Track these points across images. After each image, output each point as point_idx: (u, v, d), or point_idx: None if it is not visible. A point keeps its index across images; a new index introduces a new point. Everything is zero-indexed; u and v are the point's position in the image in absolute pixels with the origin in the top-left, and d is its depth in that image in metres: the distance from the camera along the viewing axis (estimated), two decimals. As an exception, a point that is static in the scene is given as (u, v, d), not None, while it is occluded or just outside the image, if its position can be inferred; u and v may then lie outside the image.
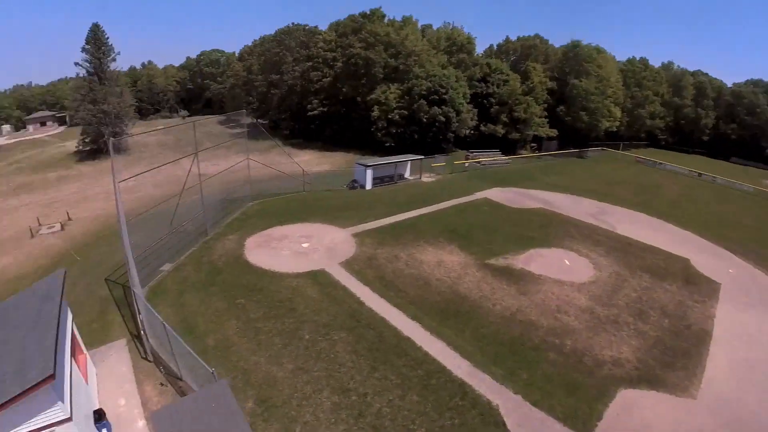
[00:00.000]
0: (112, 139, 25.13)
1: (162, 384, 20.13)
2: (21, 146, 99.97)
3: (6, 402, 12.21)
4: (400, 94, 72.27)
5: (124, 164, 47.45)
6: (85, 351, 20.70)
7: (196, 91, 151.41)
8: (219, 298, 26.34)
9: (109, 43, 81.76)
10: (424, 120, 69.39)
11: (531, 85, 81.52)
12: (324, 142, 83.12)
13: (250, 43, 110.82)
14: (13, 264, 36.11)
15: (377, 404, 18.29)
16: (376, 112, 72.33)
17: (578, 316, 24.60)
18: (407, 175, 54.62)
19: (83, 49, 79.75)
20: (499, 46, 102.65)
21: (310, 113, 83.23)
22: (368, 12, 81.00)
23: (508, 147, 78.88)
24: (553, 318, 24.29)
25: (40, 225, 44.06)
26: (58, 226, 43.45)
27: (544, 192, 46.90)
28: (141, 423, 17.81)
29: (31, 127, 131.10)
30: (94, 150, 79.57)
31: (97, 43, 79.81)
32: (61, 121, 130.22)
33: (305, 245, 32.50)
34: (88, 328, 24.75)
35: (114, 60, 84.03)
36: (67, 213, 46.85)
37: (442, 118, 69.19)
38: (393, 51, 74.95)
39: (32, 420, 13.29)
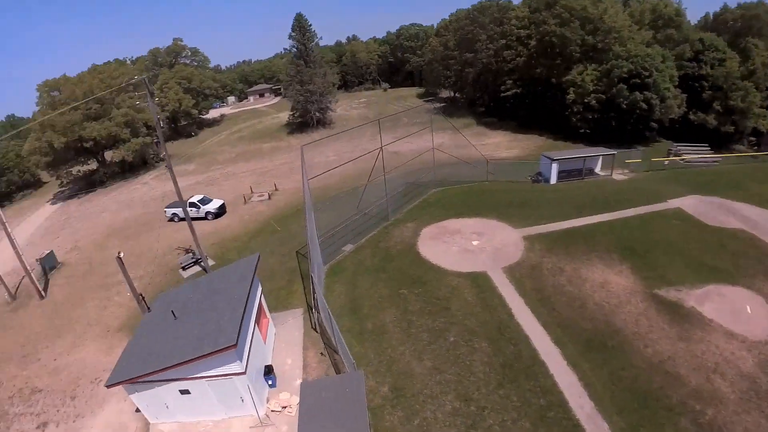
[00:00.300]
0: (302, 146, 28.31)
1: (322, 354, 23.63)
2: (243, 115, 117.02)
3: (201, 356, 17.72)
4: (597, 76, 65.94)
5: (327, 139, 51.94)
6: (268, 315, 25.39)
7: (397, 64, 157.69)
8: (385, 285, 28.69)
9: (312, 30, 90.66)
10: (624, 106, 62.63)
11: (751, 67, 66.87)
12: (517, 124, 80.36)
13: (446, 17, 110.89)
14: (231, 225, 43.59)
15: (491, 420, 18.68)
16: (571, 95, 67.08)
17: (735, 382, 20.15)
18: (597, 169, 50.41)
19: (290, 36, 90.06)
20: (715, 15, 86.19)
21: (503, 94, 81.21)
22: (562, -16, 74.68)
23: (719, 141, 65.72)
24: (705, 378, 20.45)
25: (252, 192, 51.70)
26: (266, 195, 50.53)
27: (751, 207, 37.29)
28: (298, 382, 21.34)
29: (251, 98, 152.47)
30: (302, 123, 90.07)
31: (301, 30, 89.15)
32: (277, 93, 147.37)
33: (475, 243, 32.80)
34: (276, 293, 29.79)
35: (317, 45, 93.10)
36: (275, 184, 53.92)
37: (644, 105, 61.68)
38: (590, 27, 68.20)
39: (218, 369, 18.45)
